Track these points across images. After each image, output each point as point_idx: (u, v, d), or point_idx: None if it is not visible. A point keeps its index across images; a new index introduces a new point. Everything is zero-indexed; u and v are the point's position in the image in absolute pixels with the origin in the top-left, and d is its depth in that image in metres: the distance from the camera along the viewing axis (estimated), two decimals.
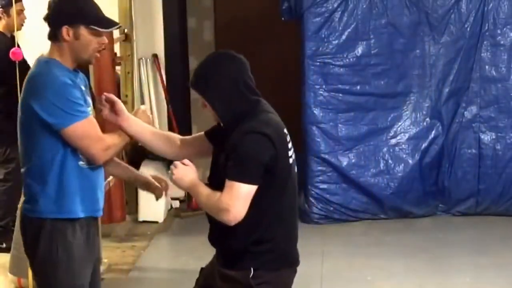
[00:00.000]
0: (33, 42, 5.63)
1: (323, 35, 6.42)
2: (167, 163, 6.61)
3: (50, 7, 3.01)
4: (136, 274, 5.35)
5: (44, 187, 2.99)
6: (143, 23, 6.97)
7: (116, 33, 6.21)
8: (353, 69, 6.47)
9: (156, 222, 6.54)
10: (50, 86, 2.90)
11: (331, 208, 6.50)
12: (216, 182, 2.80)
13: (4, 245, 5.55)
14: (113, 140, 3.01)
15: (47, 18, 3.01)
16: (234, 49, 2.92)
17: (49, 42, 3.03)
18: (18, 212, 4.88)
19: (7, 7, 5.63)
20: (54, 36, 2.98)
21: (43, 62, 3.00)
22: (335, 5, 6.39)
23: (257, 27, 7.39)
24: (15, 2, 5.52)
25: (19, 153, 3.10)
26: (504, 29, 6.47)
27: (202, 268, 3.09)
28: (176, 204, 7.05)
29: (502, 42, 6.48)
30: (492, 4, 6.43)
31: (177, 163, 2.84)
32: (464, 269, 5.31)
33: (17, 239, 4.81)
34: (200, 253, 5.62)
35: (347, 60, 6.47)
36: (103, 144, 2.96)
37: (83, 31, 2.95)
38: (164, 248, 6.18)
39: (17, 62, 4.35)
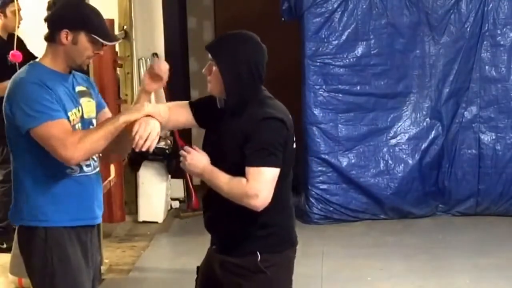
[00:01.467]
0: (29, 43, 5.63)
1: (323, 36, 6.42)
2: (166, 163, 6.62)
3: (50, 8, 3.00)
4: (136, 274, 5.34)
5: (29, 194, 2.95)
6: (143, 23, 6.97)
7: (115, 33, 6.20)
8: (353, 69, 6.47)
9: (156, 223, 6.54)
10: (19, 88, 2.88)
11: (331, 209, 6.49)
12: (218, 165, 2.79)
13: (4, 246, 5.55)
14: (85, 133, 2.86)
15: (47, 19, 3.01)
16: None
17: (45, 44, 3.02)
18: None
19: (3, 7, 5.59)
20: (51, 38, 2.96)
21: (26, 66, 3.00)
22: (335, 6, 6.38)
23: (257, 27, 7.33)
24: (11, 2, 5.48)
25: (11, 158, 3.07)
26: (504, 29, 6.47)
27: (198, 267, 3.09)
28: (176, 204, 7.05)
29: (502, 42, 6.48)
30: (492, 4, 6.43)
31: (189, 149, 2.85)
32: (464, 270, 5.31)
33: None
34: (200, 254, 5.61)
35: (347, 60, 6.47)
36: (71, 140, 2.79)
37: (82, 37, 2.93)
38: (164, 248, 6.17)
39: (17, 63, 4.32)
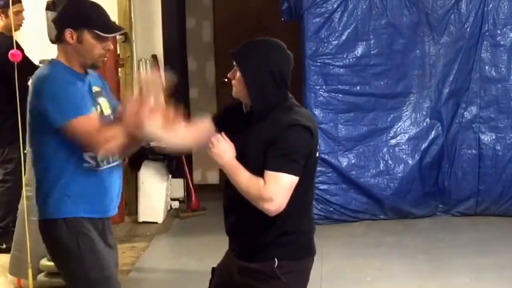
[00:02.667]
0: (31, 43, 5.62)
1: (323, 36, 6.42)
2: (167, 163, 6.62)
3: (49, 7, 3.03)
4: (136, 275, 5.34)
5: (50, 188, 3.02)
6: (142, 24, 6.97)
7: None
8: (353, 69, 6.47)
9: (156, 223, 6.54)
10: (47, 85, 2.93)
11: (331, 209, 6.49)
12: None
13: (4, 246, 5.55)
14: (113, 132, 2.92)
15: (53, 20, 3.05)
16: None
17: (47, 44, 3.06)
18: (19, 213, 4.92)
19: (5, 7, 5.60)
20: (59, 38, 3.02)
21: (47, 63, 3.06)
22: (335, 6, 6.38)
23: (257, 27, 7.37)
24: (14, 3, 5.48)
25: (31, 154, 3.12)
26: (504, 29, 6.47)
27: (213, 268, 3.10)
28: (176, 204, 7.05)
29: (502, 42, 6.47)
30: (492, 5, 6.42)
31: (220, 137, 2.84)
32: (464, 270, 5.31)
33: (18, 239, 4.81)
34: (200, 254, 5.64)
35: (347, 60, 6.46)
36: (102, 136, 2.88)
37: (86, 35, 2.97)
38: (163, 249, 6.17)
39: (15, 63, 4.32)
